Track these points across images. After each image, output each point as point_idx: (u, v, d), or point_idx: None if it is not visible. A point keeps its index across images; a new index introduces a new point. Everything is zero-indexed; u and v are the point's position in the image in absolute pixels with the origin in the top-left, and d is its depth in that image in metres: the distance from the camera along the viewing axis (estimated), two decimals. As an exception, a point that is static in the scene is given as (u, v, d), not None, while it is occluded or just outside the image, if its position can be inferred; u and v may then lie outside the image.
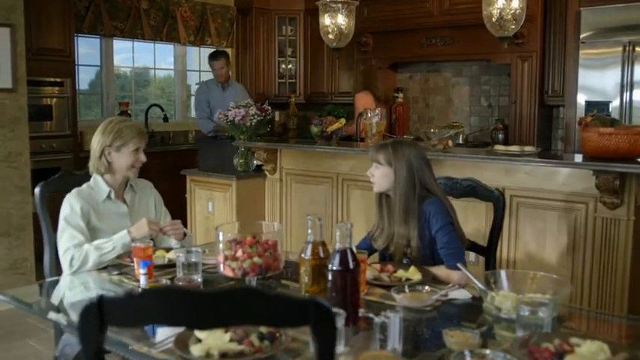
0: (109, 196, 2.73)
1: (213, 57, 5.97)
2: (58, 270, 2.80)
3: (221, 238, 2.10)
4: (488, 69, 6.46)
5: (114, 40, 6.28)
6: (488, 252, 2.63)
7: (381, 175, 2.48)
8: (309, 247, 2.01)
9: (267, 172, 4.69)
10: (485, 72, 6.51)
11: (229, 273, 2.07)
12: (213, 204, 4.71)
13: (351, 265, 1.91)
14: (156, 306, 1.12)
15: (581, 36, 5.26)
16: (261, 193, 4.73)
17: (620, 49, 5.06)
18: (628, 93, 5.05)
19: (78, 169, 5.49)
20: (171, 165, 5.68)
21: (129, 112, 6.16)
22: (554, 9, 5.62)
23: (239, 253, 2.06)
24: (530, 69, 5.75)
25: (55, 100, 5.29)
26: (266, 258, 2.06)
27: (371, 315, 1.84)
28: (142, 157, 2.77)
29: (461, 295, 2.20)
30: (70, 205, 2.62)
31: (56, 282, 2.49)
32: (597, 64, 5.21)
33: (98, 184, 2.73)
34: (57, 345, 2.66)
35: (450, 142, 3.70)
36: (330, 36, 4.74)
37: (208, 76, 7.59)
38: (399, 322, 1.71)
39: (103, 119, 6.19)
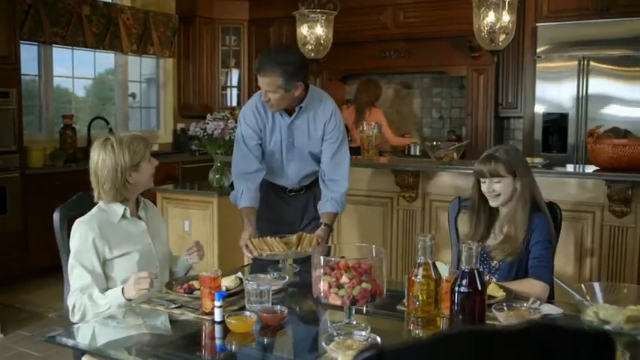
0: (124, 216, 2.45)
1: (257, 67, 2.81)
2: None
3: (322, 263, 1.93)
4: (440, 81, 6.59)
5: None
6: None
7: (505, 187, 2.40)
8: (421, 269, 1.90)
9: (247, 188, 4.47)
10: (436, 84, 6.63)
11: (336, 301, 1.90)
12: (190, 223, 4.42)
13: (480, 287, 1.82)
14: (453, 353, 0.97)
15: (538, 50, 5.49)
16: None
17: (576, 63, 5.32)
18: (583, 105, 5.32)
19: (25, 188, 5.01)
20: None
21: (74, 125, 5.69)
22: (509, 24, 5.82)
23: (344, 279, 1.90)
24: (486, 82, 5.92)
25: (-3, 112, 4.78)
26: (375, 283, 1.92)
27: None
28: (155, 161, 2.53)
29: (552, 310, 2.16)
30: (81, 237, 2.34)
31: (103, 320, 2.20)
32: (553, 77, 5.46)
33: (109, 205, 2.44)
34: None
35: (455, 155, 3.70)
36: (308, 47, 4.64)
37: (153, 90, 7.20)
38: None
39: (45, 134, 5.78)
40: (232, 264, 3.82)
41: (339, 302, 1.91)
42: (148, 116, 7.18)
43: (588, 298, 2.11)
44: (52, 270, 5.10)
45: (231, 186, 3.42)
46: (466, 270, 1.82)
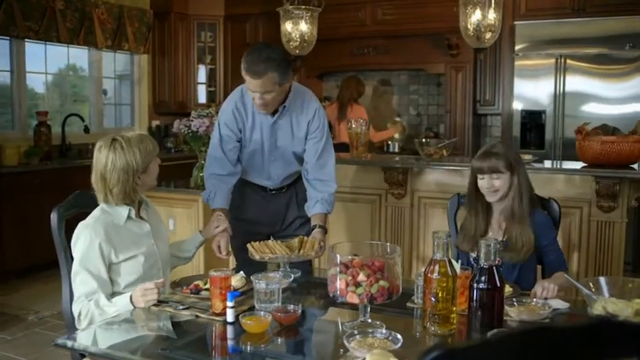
0: (129, 216, 2.39)
1: (248, 67, 2.63)
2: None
3: (339, 261, 1.91)
4: (417, 78, 6.63)
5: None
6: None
7: (504, 182, 2.44)
8: (437, 265, 1.90)
9: (233, 186, 4.42)
10: (414, 81, 6.67)
11: (354, 300, 1.89)
12: (174, 221, 4.35)
13: (499, 283, 1.83)
14: (523, 351, 0.97)
15: (516, 48, 5.57)
16: (226, 208, 4.45)
17: (553, 61, 5.42)
18: (561, 102, 5.42)
19: (0, 187, 4.86)
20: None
21: (48, 122, 5.55)
22: (487, 22, 5.89)
23: (361, 277, 1.90)
24: (464, 79, 5.98)
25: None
26: (391, 280, 1.92)
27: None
28: (158, 159, 2.46)
29: (560, 304, 2.19)
30: (86, 242, 2.26)
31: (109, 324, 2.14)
32: (531, 75, 5.54)
33: (113, 207, 2.37)
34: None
35: (445, 152, 3.72)
36: (293, 44, 4.60)
37: (126, 87, 7.03)
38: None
39: (18, 132, 5.61)
40: (219, 264, 3.77)
41: (356, 300, 1.90)
42: (120, 113, 7.04)
43: (594, 291, 2.15)
44: (30, 271, 5.00)
45: None
46: (485, 266, 1.84)
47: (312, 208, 2.92)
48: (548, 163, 3.99)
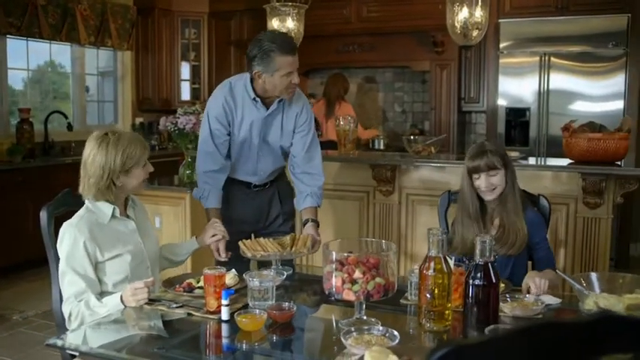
0: (113, 215, 2.36)
1: (287, 47, 2.67)
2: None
3: (334, 258, 1.91)
4: (402, 76, 6.64)
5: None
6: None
7: (501, 179, 2.44)
8: (432, 262, 1.91)
9: (220, 184, 4.39)
10: (399, 79, 6.69)
11: (350, 297, 1.89)
12: (160, 219, 4.31)
13: (494, 280, 1.84)
14: (530, 346, 0.98)
15: (501, 46, 5.61)
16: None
17: (537, 59, 5.46)
18: (545, 100, 5.47)
19: (-18, 186, 4.79)
20: (75, 178, 5.12)
21: (31, 119, 5.48)
22: (471, 20, 5.92)
23: (357, 274, 1.89)
24: (449, 76, 6.01)
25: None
26: (386, 278, 1.92)
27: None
28: (150, 167, 2.44)
29: (551, 300, 2.21)
30: (71, 241, 2.23)
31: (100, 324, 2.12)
32: (516, 73, 5.58)
33: (97, 205, 2.34)
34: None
35: (433, 149, 3.74)
36: (279, 40, 4.57)
37: (109, 84, 6.97)
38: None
39: (0, 129, 5.52)
40: (206, 262, 3.75)
41: (352, 298, 1.90)
42: (103, 110, 6.97)
43: (585, 286, 2.17)
44: (13, 270, 4.93)
45: None
46: (480, 263, 1.84)
47: (302, 202, 2.92)
48: (534, 160, 4.02)
